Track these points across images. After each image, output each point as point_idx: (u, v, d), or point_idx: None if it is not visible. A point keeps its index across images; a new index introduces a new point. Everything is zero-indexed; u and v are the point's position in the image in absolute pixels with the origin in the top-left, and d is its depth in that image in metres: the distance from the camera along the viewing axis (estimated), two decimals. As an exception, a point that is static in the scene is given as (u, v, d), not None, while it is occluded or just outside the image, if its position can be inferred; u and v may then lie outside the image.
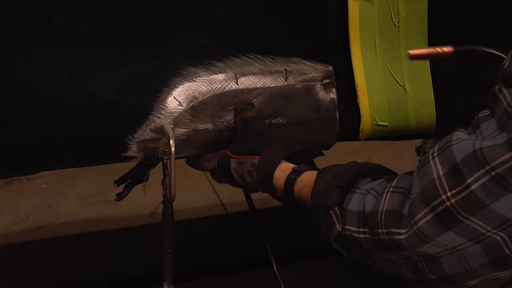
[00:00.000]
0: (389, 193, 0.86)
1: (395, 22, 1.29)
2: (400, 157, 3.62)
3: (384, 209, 0.85)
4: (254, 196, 1.25)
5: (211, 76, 1.21)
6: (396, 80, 1.31)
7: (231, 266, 2.38)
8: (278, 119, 1.25)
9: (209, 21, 1.23)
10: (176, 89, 1.19)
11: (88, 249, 2.57)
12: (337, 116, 1.29)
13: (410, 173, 0.88)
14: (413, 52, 1.08)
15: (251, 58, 1.24)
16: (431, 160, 0.80)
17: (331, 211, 0.93)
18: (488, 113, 0.79)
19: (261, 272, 1.43)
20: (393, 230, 0.83)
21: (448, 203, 0.76)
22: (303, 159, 1.13)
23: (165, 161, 1.24)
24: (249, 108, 1.21)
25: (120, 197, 1.45)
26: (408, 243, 0.81)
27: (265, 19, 1.27)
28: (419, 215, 0.79)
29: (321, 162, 1.11)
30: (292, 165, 1.10)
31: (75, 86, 1.14)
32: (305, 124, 1.28)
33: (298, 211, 1.06)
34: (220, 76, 1.21)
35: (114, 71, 1.16)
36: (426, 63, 1.32)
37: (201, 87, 1.20)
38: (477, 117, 0.80)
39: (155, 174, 1.40)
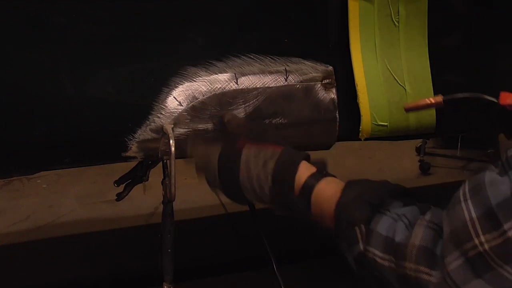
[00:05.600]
0: (422, 227, 0.81)
1: (395, 22, 1.29)
2: (400, 157, 3.62)
3: (417, 244, 0.80)
4: (254, 196, 1.25)
5: (211, 76, 1.21)
6: (396, 80, 1.31)
7: (231, 266, 2.38)
8: (278, 119, 1.25)
9: (209, 21, 1.23)
10: (176, 89, 1.18)
11: (88, 249, 2.57)
12: (337, 116, 1.29)
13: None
14: (407, 106, 1.14)
15: (251, 58, 1.24)
16: (462, 202, 0.76)
17: (356, 227, 0.87)
18: None
19: (261, 272, 1.43)
20: (423, 268, 0.79)
21: (481, 248, 0.72)
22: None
23: (165, 161, 1.24)
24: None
25: (120, 197, 1.45)
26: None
27: (265, 19, 1.27)
28: (449, 258, 0.75)
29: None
30: (312, 166, 1.01)
31: (75, 86, 1.13)
32: (305, 124, 1.28)
33: (304, 217, 0.99)
34: (220, 76, 1.21)
35: (114, 71, 1.16)
36: (426, 62, 1.32)
37: (201, 87, 1.20)
38: (506, 155, 0.76)
39: (155, 174, 1.40)
